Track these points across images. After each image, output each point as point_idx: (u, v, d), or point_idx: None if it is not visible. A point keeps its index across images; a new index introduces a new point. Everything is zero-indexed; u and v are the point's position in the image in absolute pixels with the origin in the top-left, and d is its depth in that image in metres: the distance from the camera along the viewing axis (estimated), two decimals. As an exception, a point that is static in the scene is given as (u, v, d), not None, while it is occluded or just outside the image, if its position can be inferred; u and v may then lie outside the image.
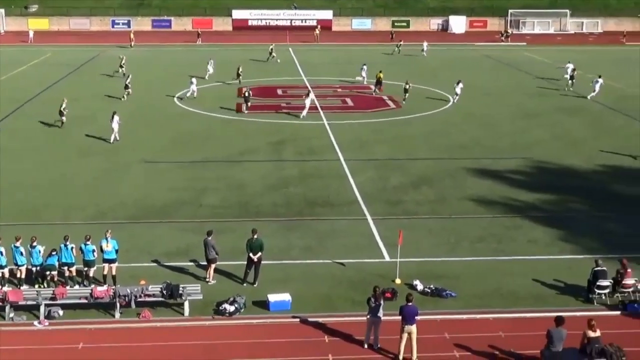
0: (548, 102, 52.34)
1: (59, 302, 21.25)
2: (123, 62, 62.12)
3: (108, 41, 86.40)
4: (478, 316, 21.28)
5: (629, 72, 65.02)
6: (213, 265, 23.46)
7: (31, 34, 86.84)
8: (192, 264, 24.63)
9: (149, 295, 21.52)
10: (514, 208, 30.58)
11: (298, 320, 20.98)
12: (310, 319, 20.94)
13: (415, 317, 18.84)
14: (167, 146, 39.85)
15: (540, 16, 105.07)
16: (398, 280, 23.32)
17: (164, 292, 21.46)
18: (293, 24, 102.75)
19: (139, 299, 21.37)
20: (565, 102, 52.27)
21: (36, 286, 22.51)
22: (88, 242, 22.62)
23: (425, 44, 78.75)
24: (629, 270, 22.38)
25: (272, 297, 21.69)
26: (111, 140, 39.90)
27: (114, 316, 21.17)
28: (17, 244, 22.63)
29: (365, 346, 19.58)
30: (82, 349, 19.47)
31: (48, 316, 20.97)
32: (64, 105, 43.24)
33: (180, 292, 21.44)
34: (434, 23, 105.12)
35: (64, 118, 43.22)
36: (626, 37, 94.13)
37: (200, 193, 31.99)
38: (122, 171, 35.21)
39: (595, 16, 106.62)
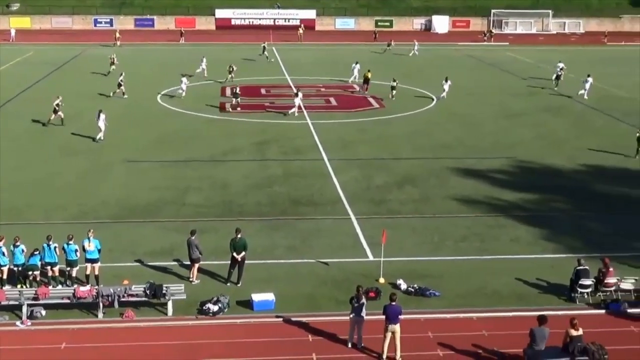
0: (531, 102, 52.64)
1: (41, 302, 21.11)
2: (115, 60, 61.99)
3: (90, 40, 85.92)
4: (461, 315, 21.35)
5: (611, 72, 65.40)
6: (197, 265, 23.39)
7: (13, 33, 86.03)
8: (175, 263, 24.55)
9: (132, 295, 21.42)
10: (497, 207, 30.71)
11: (282, 319, 20.97)
12: (294, 319, 20.93)
13: (399, 317, 18.87)
14: (151, 145, 39.69)
15: (522, 16, 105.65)
16: (382, 280, 23.36)
17: (148, 292, 21.38)
18: (276, 24, 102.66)
19: (122, 299, 21.28)
20: (548, 102, 52.58)
21: (18, 286, 22.31)
22: (70, 242, 22.46)
23: (416, 44, 78.81)
24: (610, 269, 22.51)
25: (256, 297, 21.67)
26: (97, 138, 39.69)
27: (97, 316, 21.06)
28: (0, 243, 22.46)
29: (349, 345, 19.60)
30: (65, 349, 19.36)
31: (30, 316, 20.82)
32: (57, 102, 43.00)
33: (164, 291, 21.36)
34: (417, 23, 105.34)
35: (61, 114, 42.97)
36: (607, 37, 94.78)
37: (184, 192, 31.87)
38: (105, 171, 35.02)
39: (577, 16, 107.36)
